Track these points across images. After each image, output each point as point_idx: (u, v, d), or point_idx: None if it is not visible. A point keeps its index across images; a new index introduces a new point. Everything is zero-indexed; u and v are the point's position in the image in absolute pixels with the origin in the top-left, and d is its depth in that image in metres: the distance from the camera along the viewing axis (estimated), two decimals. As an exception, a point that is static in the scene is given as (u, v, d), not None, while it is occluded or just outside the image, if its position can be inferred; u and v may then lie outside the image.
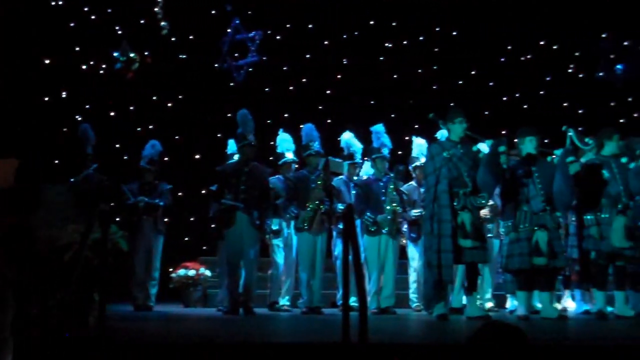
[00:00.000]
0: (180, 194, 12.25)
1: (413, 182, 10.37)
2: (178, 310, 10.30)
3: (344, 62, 14.47)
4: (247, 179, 9.24)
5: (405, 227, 10.15)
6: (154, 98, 13.65)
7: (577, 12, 14.18)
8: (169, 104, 13.70)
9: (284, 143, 10.31)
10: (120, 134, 13.14)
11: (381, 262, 9.64)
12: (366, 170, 10.22)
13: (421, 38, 14.67)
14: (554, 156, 8.72)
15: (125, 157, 12.90)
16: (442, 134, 9.54)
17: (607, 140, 8.82)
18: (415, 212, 9.94)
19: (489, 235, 9.77)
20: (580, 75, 14.78)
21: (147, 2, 12.97)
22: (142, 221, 10.17)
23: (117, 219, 10.32)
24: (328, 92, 14.33)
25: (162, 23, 12.83)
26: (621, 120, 13.72)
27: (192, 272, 10.83)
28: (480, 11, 14.30)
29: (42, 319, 5.77)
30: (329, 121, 13.22)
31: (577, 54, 14.76)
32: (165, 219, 10.56)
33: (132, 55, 12.20)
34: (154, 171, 10.39)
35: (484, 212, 9.41)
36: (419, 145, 10.30)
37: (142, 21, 13.46)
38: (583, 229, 8.78)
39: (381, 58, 14.56)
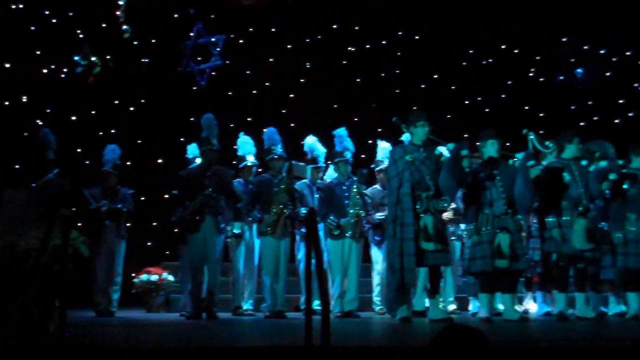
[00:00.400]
0: (142, 198, 12.16)
1: (377, 186, 10.40)
2: (140, 315, 10.23)
3: (307, 66, 14.48)
4: (210, 183, 9.19)
5: (369, 230, 10.18)
6: (116, 102, 13.56)
7: (538, 16, 14.32)
8: (131, 108, 13.61)
9: (245, 146, 10.28)
10: (82, 139, 13.03)
11: (344, 266, 9.65)
12: (329, 174, 10.23)
13: (384, 42, 14.72)
14: (515, 159, 8.77)
15: (87, 162, 12.80)
16: (407, 137, 9.59)
17: (568, 144, 8.89)
18: (379, 215, 9.98)
19: (452, 238, 9.82)
20: (541, 79, 14.92)
21: (109, 5, 12.89)
22: (105, 226, 10.09)
23: (79, 224, 10.24)
24: (291, 96, 14.34)
25: (124, 27, 12.76)
26: (581, 124, 13.87)
27: (154, 277, 10.77)
28: (443, 15, 14.40)
29: (2, 325, 5.70)
30: (292, 125, 13.22)
31: (537, 57, 14.90)
32: (128, 224, 10.48)
33: (93, 59, 12.13)
34: (116, 175, 10.32)
35: (447, 215, 9.45)
36: (383, 148, 10.33)
37: (104, 25, 13.37)
38: (544, 231, 8.85)
39: (344, 62, 14.60)
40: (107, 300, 10.03)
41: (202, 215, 9.09)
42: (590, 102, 14.78)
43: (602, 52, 14.79)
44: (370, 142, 11.29)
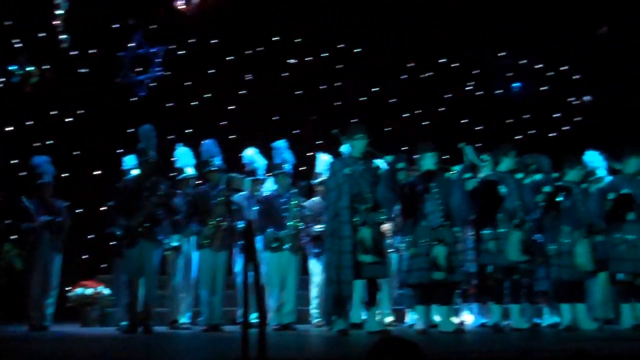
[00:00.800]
0: (78, 211, 11.99)
1: (316, 198, 10.41)
2: (75, 329, 10.07)
3: (247, 78, 14.46)
4: (149, 195, 9.10)
5: (307, 242, 10.19)
6: (53, 113, 13.37)
7: (476, 31, 14.52)
8: (69, 119, 13.43)
9: (184, 157, 10.21)
10: (18, 150, 12.82)
11: (282, 279, 9.64)
12: (268, 187, 10.21)
13: (323, 55, 14.77)
14: (452, 172, 8.86)
15: (23, 173, 12.59)
16: (346, 150, 9.62)
17: (504, 157, 8.99)
18: (318, 227, 9.98)
19: (390, 250, 9.87)
20: (479, 93, 15.12)
21: (47, 15, 12.74)
22: (40, 239, 9.91)
23: (13, 237, 10.08)
24: (231, 107, 14.30)
25: (63, 36, 12.62)
26: (518, 137, 14.08)
27: (89, 291, 10.61)
28: (382, 29, 14.50)
29: None
30: (231, 137, 13.18)
31: (475, 71, 15.09)
32: (62, 238, 10.29)
33: (30, 69, 11.98)
34: (53, 187, 10.17)
35: (386, 227, 9.51)
36: (322, 161, 10.33)
37: (41, 34, 13.19)
38: (480, 243, 8.93)
39: (284, 74, 14.61)
40: (41, 314, 9.85)
41: (142, 232, 9.01)
42: (526, 116, 15.01)
43: (538, 66, 15.04)
44: (309, 154, 11.31)
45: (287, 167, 9.83)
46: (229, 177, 9.70)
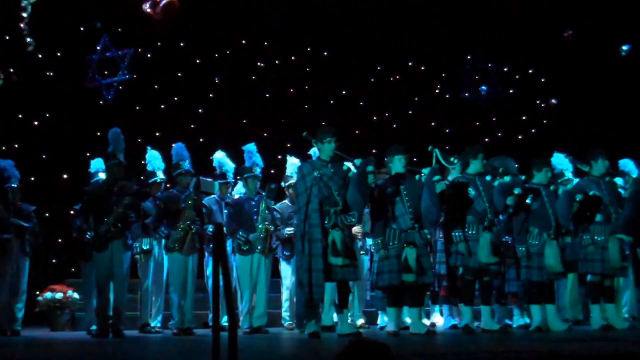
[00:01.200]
0: (46, 214, 11.89)
1: (286, 201, 10.41)
2: (45, 334, 9.99)
3: (216, 81, 14.43)
4: (118, 199, 9.05)
5: (278, 245, 10.19)
6: (19, 116, 13.25)
7: (443, 34, 14.61)
8: (35, 122, 13.31)
9: (154, 161, 10.17)
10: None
11: (253, 281, 9.62)
12: (238, 190, 10.18)
13: (293, 58, 14.79)
14: (422, 174, 8.89)
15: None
16: (315, 152, 9.64)
17: (472, 159, 9.03)
18: (288, 230, 9.98)
19: (361, 252, 9.89)
20: (447, 96, 15.20)
21: (12, 17, 12.60)
22: (9, 244, 9.80)
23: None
24: (200, 110, 14.26)
25: (28, 39, 12.50)
26: (486, 140, 14.17)
27: (59, 295, 10.53)
28: (351, 31, 14.55)
29: None
30: (201, 140, 13.15)
31: (443, 75, 15.18)
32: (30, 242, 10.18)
33: (-5, 71, 11.85)
34: (20, 191, 10.06)
35: (356, 230, 9.52)
36: (292, 164, 10.34)
37: (7, 37, 13.06)
38: (450, 245, 8.97)
39: (253, 77, 14.59)
40: (11, 318, 9.74)
41: (113, 235, 8.95)
42: (494, 119, 15.12)
43: (505, 69, 15.15)
44: (279, 157, 11.30)
45: (257, 170, 9.81)
46: (197, 180, 9.66)
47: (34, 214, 10.19)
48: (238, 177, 10.20)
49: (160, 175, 10.13)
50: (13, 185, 9.93)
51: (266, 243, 9.69)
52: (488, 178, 8.96)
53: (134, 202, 9.12)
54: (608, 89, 14.25)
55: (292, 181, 10.15)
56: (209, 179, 10.01)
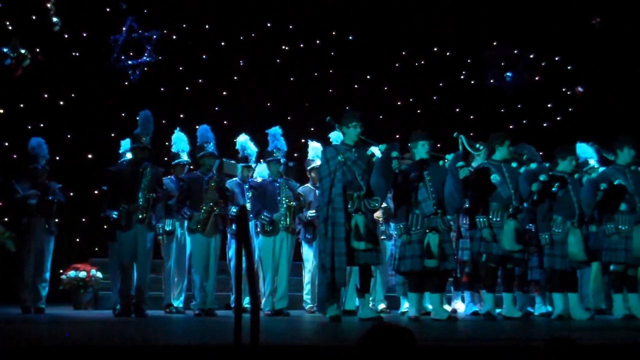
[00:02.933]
0: (71, 194, 11.96)
1: (309, 184, 10.41)
2: (68, 312, 10.07)
3: (241, 64, 14.42)
4: (141, 179, 9.11)
5: (300, 228, 10.21)
6: (45, 95, 13.32)
7: (469, 20, 14.51)
8: (61, 102, 13.38)
9: (180, 143, 10.21)
10: (10, 132, 12.77)
11: (275, 264, 9.65)
12: (260, 172, 10.19)
13: (318, 41, 14.75)
14: (445, 160, 8.86)
15: (14, 156, 12.55)
16: (335, 136, 9.64)
17: (499, 146, 9.00)
18: (310, 213, 9.99)
19: (382, 237, 9.89)
20: (472, 82, 15.12)
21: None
22: (34, 221, 9.87)
23: (6, 219, 10.04)
24: (224, 93, 14.27)
25: (54, 19, 12.54)
26: (511, 127, 14.10)
27: (82, 274, 10.60)
28: (375, 17, 14.49)
29: None
30: (224, 122, 13.16)
31: (468, 61, 15.09)
32: (57, 220, 10.25)
33: (22, 51, 11.89)
34: (48, 171, 10.12)
35: (378, 215, 9.53)
36: (314, 148, 10.34)
37: (33, 17, 13.11)
38: (474, 231, 8.95)
39: (278, 60, 14.58)
40: (35, 296, 9.81)
41: (142, 217, 9.02)
42: (519, 106, 15.02)
43: (531, 56, 15.04)
44: (303, 141, 11.30)
45: (279, 154, 9.82)
46: (220, 162, 9.69)
47: (60, 190, 10.21)
48: (261, 160, 10.22)
49: (185, 158, 10.17)
50: (39, 166, 9.97)
51: (290, 220, 9.70)
52: (514, 165, 8.92)
53: (156, 184, 9.20)
54: (635, 76, 14.11)
55: (314, 165, 10.16)
56: (232, 161, 10.03)
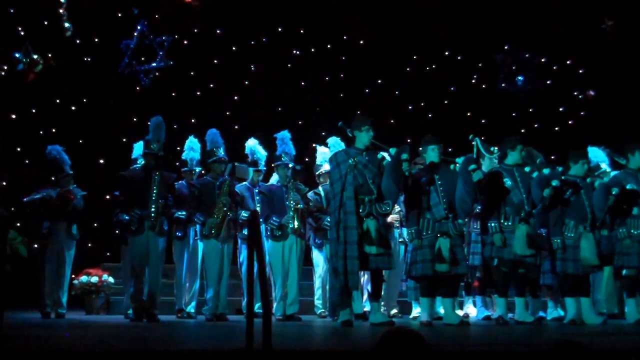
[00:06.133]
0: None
1: (318, 189, 10.39)
2: (80, 317, 10.08)
3: (252, 68, 14.45)
4: (155, 187, 9.13)
5: (310, 233, 10.21)
6: (57, 101, 13.37)
7: (480, 23, 14.50)
8: (73, 107, 13.43)
9: (192, 150, 10.25)
10: (22, 138, 12.83)
11: (285, 268, 9.65)
12: (275, 178, 10.19)
13: (329, 46, 14.76)
14: (456, 164, 8.84)
15: (26, 161, 12.62)
16: (333, 142, 9.70)
17: (511, 150, 8.96)
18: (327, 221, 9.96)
19: (400, 240, 9.89)
20: (483, 86, 15.10)
21: (50, 2, 12.71)
22: (55, 226, 9.89)
23: (17, 224, 10.07)
24: (235, 97, 14.29)
25: (66, 24, 12.59)
26: (522, 131, 14.07)
27: (94, 279, 10.65)
28: (387, 20, 14.49)
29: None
30: (235, 127, 13.19)
31: (479, 64, 15.08)
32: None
33: (34, 56, 11.96)
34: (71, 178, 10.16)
35: (393, 218, 9.53)
36: (322, 153, 10.35)
37: (45, 22, 13.17)
38: (485, 236, 8.92)
39: (288, 65, 14.59)
40: (56, 302, 9.83)
41: (153, 223, 9.05)
42: (530, 110, 15.00)
43: (542, 60, 15.02)
44: (313, 145, 11.31)
45: (287, 158, 9.83)
46: (232, 166, 9.71)
47: (82, 198, 10.23)
48: (272, 164, 10.23)
49: (195, 164, 10.20)
50: (68, 172, 10.06)
51: (299, 222, 9.70)
52: (527, 169, 8.89)
53: (168, 190, 9.23)
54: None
55: (322, 170, 10.17)
56: (244, 165, 10.04)
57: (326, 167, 9.77)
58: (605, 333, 7.53)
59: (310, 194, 10.13)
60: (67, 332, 6.26)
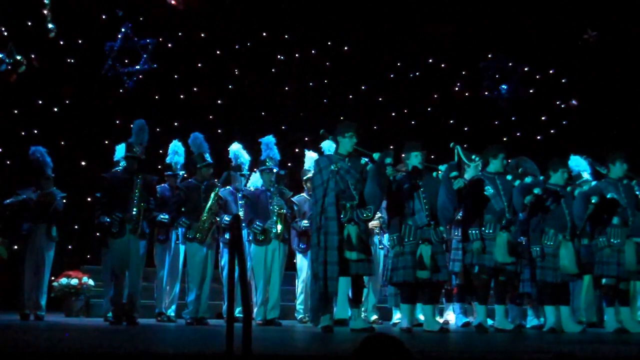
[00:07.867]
0: (64, 200, 11.93)
1: (304, 194, 10.40)
2: (59, 319, 10.02)
3: (236, 72, 14.44)
4: (137, 190, 9.10)
5: (294, 237, 10.21)
6: (40, 102, 13.31)
7: (464, 32, 14.56)
8: (55, 109, 13.37)
9: (174, 155, 10.21)
10: (3, 138, 12.76)
11: (267, 273, 9.65)
12: (254, 182, 10.19)
13: (313, 52, 14.78)
14: (439, 171, 8.85)
15: (7, 162, 12.55)
16: (328, 146, 9.66)
17: (493, 159, 8.99)
18: (305, 223, 9.98)
19: (380, 247, 9.90)
20: (466, 94, 15.16)
21: (34, 3, 12.66)
22: (35, 227, 9.84)
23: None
24: (219, 101, 14.27)
25: (50, 25, 12.54)
26: (504, 139, 14.13)
27: (74, 281, 10.60)
28: (371, 27, 14.53)
29: None
30: (219, 131, 13.17)
31: (463, 72, 15.14)
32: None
33: (18, 57, 11.89)
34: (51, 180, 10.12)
35: (373, 224, 9.53)
36: (310, 158, 10.34)
37: (29, 23, 13.11)
38: (466, 243, 8.94)
39: (273, 70, 14.60)
40: (34, 304, 9.76)
41: (134, 228, 9.03)
42: (513, 118, 15.07)
43: (525, 69, 15.10)
44: (297, 150, 11.31)
45: (271, 163, 9.82)
46: (227, 174, 9.76)
47: (62, 199, 10.19)
48: (255, 169, 10.22)
49: (179, 169, 10.18)
50: (49, 174, 10.02)
51: (282, 227, 9.70)
52: (509, 177, 8.91)
53: (150, 194, 9.22)
54: (629, 91, 14.17)
55: (309, 175, 10.17)
56: (237, 174, 10.05)
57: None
58: (584, 342, 7.56)
59: (295, 198, 10.15)
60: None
